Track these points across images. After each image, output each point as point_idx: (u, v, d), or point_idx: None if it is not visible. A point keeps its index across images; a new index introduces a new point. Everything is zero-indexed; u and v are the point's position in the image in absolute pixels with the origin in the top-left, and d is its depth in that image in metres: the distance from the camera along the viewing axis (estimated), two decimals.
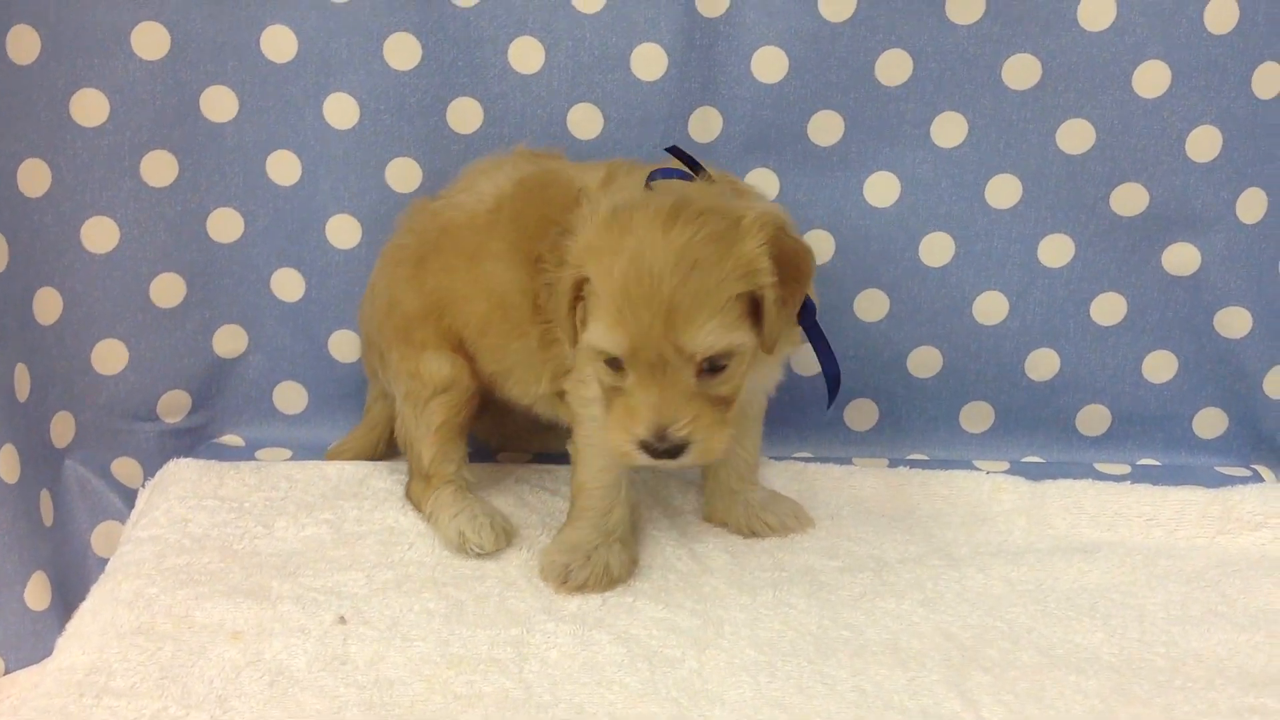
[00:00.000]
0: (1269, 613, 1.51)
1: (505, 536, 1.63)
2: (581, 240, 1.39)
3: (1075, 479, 1.78)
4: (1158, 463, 1.92)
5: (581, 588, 1.52)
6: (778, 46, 1.77)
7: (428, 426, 1.67)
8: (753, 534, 1.66)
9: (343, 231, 1.84)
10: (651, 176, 1.51)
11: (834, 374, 1.53)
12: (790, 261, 1.39)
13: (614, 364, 1.38)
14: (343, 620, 1.44)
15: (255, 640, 1.40)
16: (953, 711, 1.33)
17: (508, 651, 1.40)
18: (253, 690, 1.33)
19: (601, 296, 1.35)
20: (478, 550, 1.59)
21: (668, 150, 1.59)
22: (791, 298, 1.40)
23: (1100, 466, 1.89)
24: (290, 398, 1.92)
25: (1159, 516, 1.69)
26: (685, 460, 1.37)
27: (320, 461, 1.81)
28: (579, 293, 1.40)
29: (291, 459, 1.85)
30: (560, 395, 1.58)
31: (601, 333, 1.36)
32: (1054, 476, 1.79)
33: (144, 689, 1.32)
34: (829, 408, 1.58)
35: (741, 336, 1.37)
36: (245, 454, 1.86)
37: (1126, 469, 1.89)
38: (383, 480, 1.74)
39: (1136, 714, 1.32)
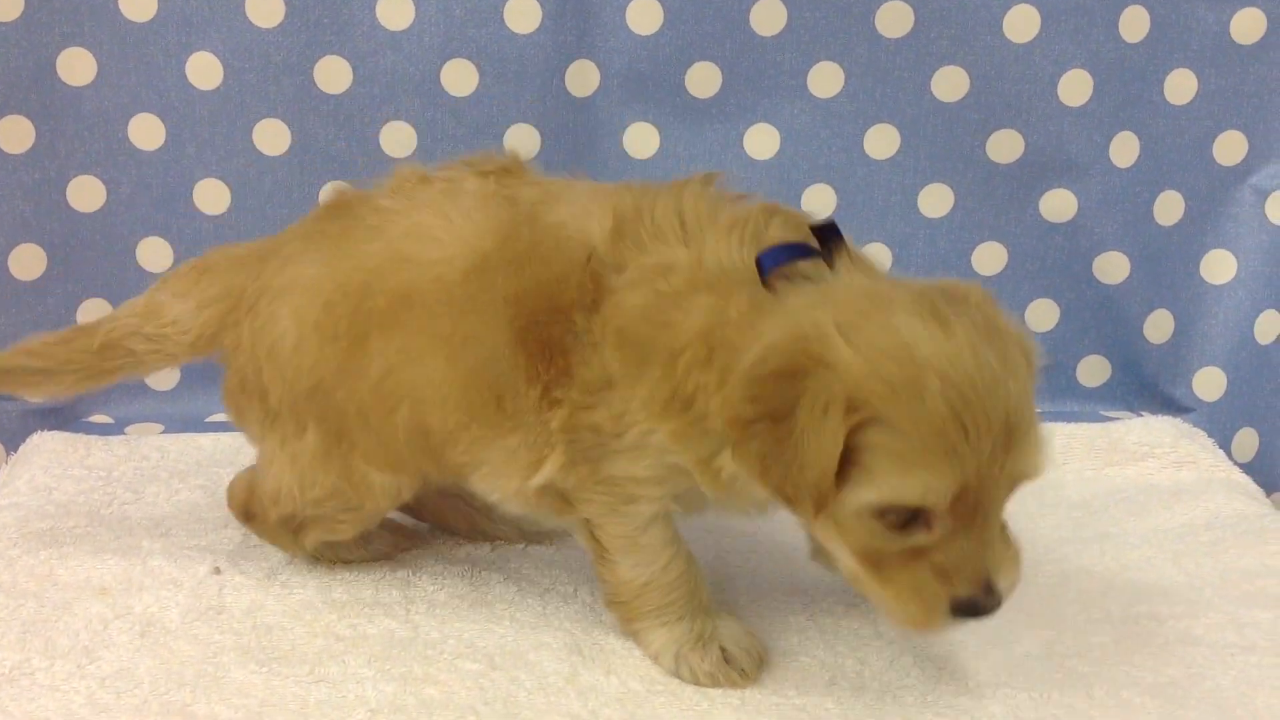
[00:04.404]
0: (1160, 532, 1.51)
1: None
2: (850, 373, 1.04)
3: None
4: (1043, 410, 1.91)
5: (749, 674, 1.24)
6: None
7: (329, 530, 1.36)
8: None
9: (211, 197, 1.78)
10: (768, 259, 1.15)
11: None
12: None
13: (909, 522, 1.07)
14: (218, 571, 1.38)
15: (124, 595, 1.33)
16: (851, 629, 1.31)
17: (393, 594, 1.35)
18: (122, 641, 1.26)
19: (910, 435, 1.03)
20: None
21: (815, 228, 1.21)
22: None
23: None
24: (161, 374, 1.84)
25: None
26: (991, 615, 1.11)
27: (194, 434, 1.74)
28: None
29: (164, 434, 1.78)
30: (561, 495, 1.24)
31: (917, 482, 1.04)
32: None
33: (4, 643, 1.24)
34: None
35: None
36: (115, 431, 1.79)
37: None
38: None
39: (1028, 622, 1.31)
